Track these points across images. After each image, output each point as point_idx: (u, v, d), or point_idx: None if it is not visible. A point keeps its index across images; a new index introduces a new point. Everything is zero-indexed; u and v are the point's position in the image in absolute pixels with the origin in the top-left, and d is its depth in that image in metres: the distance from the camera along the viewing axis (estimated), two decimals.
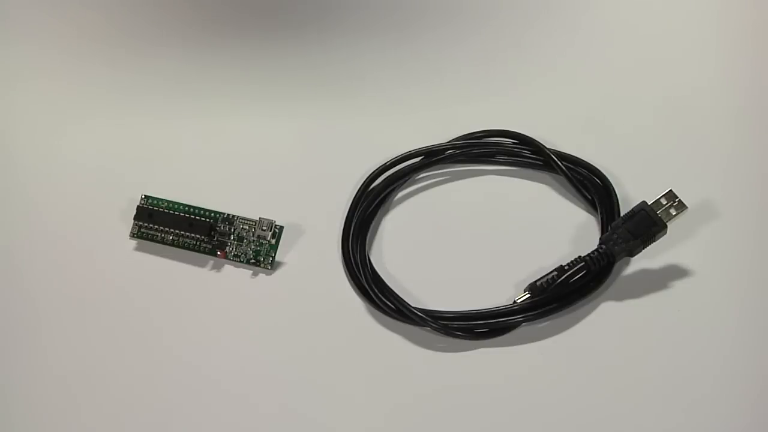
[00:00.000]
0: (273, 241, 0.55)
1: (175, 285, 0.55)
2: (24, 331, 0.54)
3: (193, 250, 0.56)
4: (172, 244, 0.56)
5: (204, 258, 0.56)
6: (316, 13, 0.66)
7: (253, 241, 0.55)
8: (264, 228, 0.55)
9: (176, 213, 0.56)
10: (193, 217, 0.56)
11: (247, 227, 0.56)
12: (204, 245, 0.56)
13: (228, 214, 0.56)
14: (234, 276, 0.55)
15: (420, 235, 0.56)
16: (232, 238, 0.56)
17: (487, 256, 0.55)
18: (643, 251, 0.53)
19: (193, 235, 0.55)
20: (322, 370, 0.51)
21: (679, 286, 0.53)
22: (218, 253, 0.55)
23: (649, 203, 0.52)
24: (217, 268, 0.56)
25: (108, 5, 0.66)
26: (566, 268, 0.52)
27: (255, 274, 0.55)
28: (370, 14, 0.65)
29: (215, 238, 0.56)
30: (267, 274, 0.55)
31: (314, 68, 0.63)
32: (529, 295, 0.52)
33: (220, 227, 0.56)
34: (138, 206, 0.56)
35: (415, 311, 0.52)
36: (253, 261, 0.55)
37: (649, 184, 0.54)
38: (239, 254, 0.55)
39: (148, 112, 0.62)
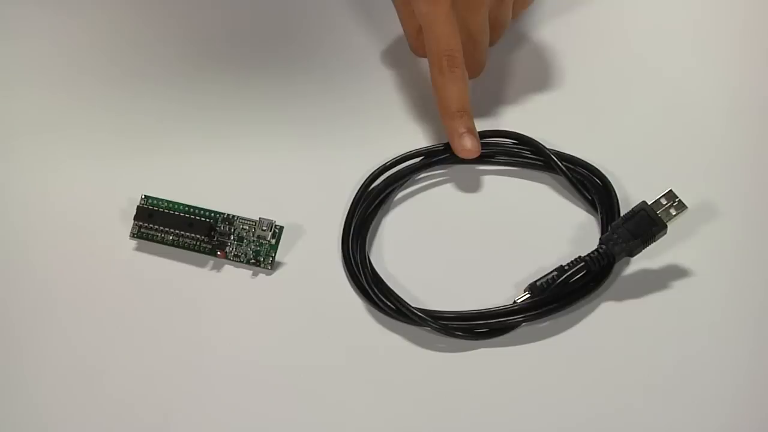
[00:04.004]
0: (273, 241, 0.55)
1: (175, 285, 0.55)
2: (23, 331, 0.54)
3: (193, 250, 0.56)
4: (172, 244, 0.56)
5: (204, 258, 0.56)
6: (317, 12, 0.66)
7: (253, 241, 0.55)
8: (264, 228, 0.55)
9: (176, 213, 0.56)
10: (193, 217, 0.56)
11: (247, 227, 0.56)
12: (204, 245, 0.56)
13: (228, 214, 0.56)
14: (234, 276, 0.55)
15: (420, 235, 0.56)
16: (232, 238, 0.56)
17: (487, 256, 0.55)
18: (643, 251, 0.52)
19: (193, 235, 0.55)
20: (321, 371, 0.51)
21: (679, 286, 0.53)
22: (218, 253, 0.55)
23: (649, 203, 0.52)
24: (217, 268, 0.55)
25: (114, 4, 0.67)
26: (566, 268, 0.52)
27: (255, 274, 0.55)
28: (370, 11, 0.65)
29: (215, 238, 0.56)
30: (267, 274, 0.55)
31: (315, 68, 0.63)
32: (529, 295, 0.52)
33: (220, 227, 0.56)
34: (138, 206, 0.56)
35: (415, 311, 0.52)
36: (253, 261, 0.55)
37: (649, 184, 0.54)
38: (239, 254, 0.55)
39: (148, 111, 0.62)
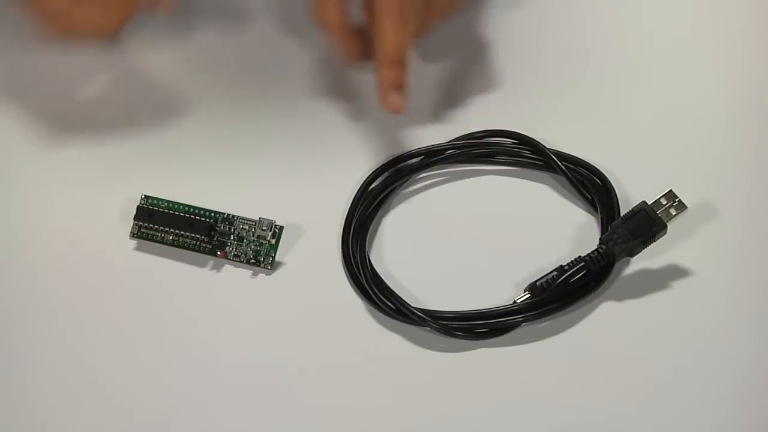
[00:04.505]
0: (273, 241, 0.55)
1: (175, 285, 0.55)
2: (23, 331, 0.54)
3: (193, 250, 0.56)
4: (172, 244, 0.56)
5: (204, 258, 0.56)
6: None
7: (253, 241, 0.55)
8: (264, 228, 0.55)
9: (176, 213, 0.56)
10: (193, 217, 0.56)
11: (247, 227, 0.56)
12: (204, 245, 0.56)
13: (228, 214, 0.56)
14: (234, 276, 0.55)
15: (420, 235, 0.56)
16: (232, 238, 0.56)
17: (487, 256, 0.55)
18: (643, 251, 0.53)
19: (193, 235, 0.55)
20: (321, 371, 0.51)
21: (679, 286, 0.53)
22: (218, 253, 0.55)
23: (649, 203, 0.52)
24: (217, 268, 0.55)
25: None
26: (566, 268, 0.52)
27: (255, 274, 0.55)
28: None
29: (215, 238, 0.56)
30: (267, 274, 0.55)
31: (315, 68, 0.63)
32: (529, 295, 0.52)
33: (220, 227, 0.56)
34: (138, 206, 0.56)
35: (415, 311, 0.52)
36: (253, 261, 0.55)
37: (649, 184, 0.54)
38: (239, 254, 0.55)
39: (148, 111, 0.62)
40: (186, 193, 0.57)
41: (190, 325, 0.53)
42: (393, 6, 0.53)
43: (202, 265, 0.56)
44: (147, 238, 0.56)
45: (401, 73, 0.54)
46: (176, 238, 0.56)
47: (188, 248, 0.56)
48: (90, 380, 0.52)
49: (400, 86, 0.54)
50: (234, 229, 0.56)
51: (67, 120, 0.62)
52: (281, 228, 0.55)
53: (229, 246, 0.55)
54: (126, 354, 0.53)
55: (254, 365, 0.52)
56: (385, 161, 0.57)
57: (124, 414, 0.51)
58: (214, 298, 0.54)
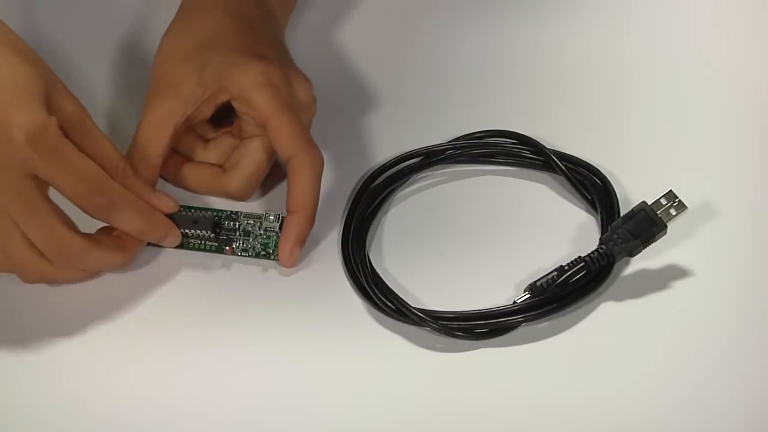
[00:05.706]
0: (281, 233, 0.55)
1: (177, 285, 0.55)
2: (24, 332, 0.54)
3: (199, 249, 0.55)
4: (178, 245, 0.55)
5: (210, 257, 0.55)
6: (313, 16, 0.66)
7: (260, 234, 0.55)
8: (272, 219, 0.55)
9: (180, 212, 0.55)
10: (197, 214, 0.55)
11: (252, 221, 0.55)
12: (210, 243, 0.55)
13: (231, 211, 0.56)
14: (237, 273, 0.55)
15: (420, 235, 0.56)
16: (237, 234, 0.55)
17: (487, 256, 0.55)
18: (643, 251, 0.53)
19: (198, 232, 0.55)
20: (321, 370, 0.51)
21: (679, 286, 0.53)
22: (226, 248, 0.55)
23: (649, 203, 0.53)
24: (224, 265, 0.55)
25: None
26: (566, 268, 0.52)
27: (255, 274, 0.55)
28: (369, 8, 0.66)
29: (221, 234, 0.55)
30: (275, 268, 0.55)
31: (314, 69, 0.63)
32: (529, 295, 0.52)
33: (224, 224, 0.55)
34: None
35: (415, 311, 0.52)
36: (264, 254, 0.55)
37: (649, 184, 0.54)
38: (247, 248, 0.55)
39: None
40: (185, 195, 0.57)
41: (191, 325, 0.53)
42: (318, 165, 0.54)
43: (209, 263, 0.55)
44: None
45: (311, 228, 0.54)
46: (182, 239, 0.55)
47: (194, 248, 0.55)
48: (91, 382, 0.52)
49: (304, 241, 0.54)
50: (239, 225, 0.55)
51: None
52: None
53: (236, 241, 0.55)
54: (128, 355, 0.52)
55: (253, 364, 0.52)
56: (385, 161, 0.58)
57: (127, 414, 0.51)
58: (214, 298, 0.54)
